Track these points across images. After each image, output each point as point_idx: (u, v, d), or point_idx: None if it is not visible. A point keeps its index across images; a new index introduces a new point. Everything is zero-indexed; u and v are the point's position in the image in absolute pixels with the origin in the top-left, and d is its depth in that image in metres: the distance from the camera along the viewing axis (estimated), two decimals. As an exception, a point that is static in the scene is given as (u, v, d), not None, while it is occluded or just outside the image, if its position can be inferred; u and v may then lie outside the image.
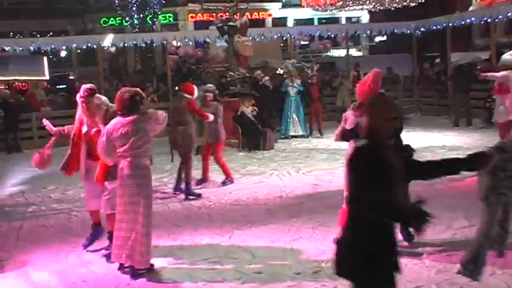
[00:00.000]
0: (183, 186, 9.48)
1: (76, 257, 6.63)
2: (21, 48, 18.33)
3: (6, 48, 18.30)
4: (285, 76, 16.86)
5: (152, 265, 5.88)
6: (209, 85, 11.32)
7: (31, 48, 18.32)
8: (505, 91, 10.03)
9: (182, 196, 9.36)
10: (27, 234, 7.85)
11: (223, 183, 10.12)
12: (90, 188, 6.69)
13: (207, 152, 10.27)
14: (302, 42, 26.17)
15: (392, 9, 28.79)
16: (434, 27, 19.52)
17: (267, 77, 16.38)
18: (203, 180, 10.25)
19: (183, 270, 5.98)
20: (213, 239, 7.01)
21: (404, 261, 5.77)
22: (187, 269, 6.00)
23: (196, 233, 7.28)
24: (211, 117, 9.66)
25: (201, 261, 6.22)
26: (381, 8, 29.56)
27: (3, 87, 21.47)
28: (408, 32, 20.48)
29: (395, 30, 20.64)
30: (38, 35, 27.57)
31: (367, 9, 31.61)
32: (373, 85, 6.14)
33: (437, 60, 24.50)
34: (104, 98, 6.72)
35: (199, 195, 9.32)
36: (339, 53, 30.97)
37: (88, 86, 6.62)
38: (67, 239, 7.44)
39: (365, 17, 35.46)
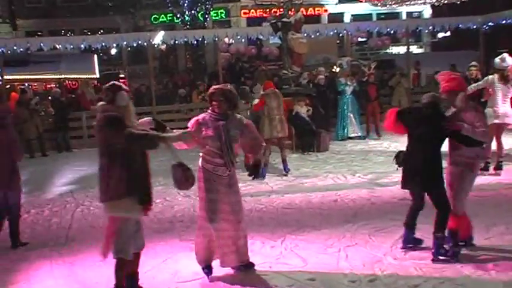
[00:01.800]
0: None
1: (124, 259, 6.74)
2: (71, 46, 18.76)
3: (57, 47, 18.77)
4: (338, 75, 16.75)
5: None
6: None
7: (82, 46, 18.74)
8: None
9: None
10: (76, 234, 8.08)
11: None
12: None
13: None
14: (359, 39, 25.90)
15: (458, 2, 28.12)
16: (504, 22, 18.96)
17: (322, 76, 16.31)
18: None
19: (232, 275, 6.01)
20: (264, 243, 7.02)
21: (467, 272, 5.67)
22: (237, 274, 6.02)
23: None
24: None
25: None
26: (445, 1, 28.93)
27: (54, 85, 22.20)
28: (474, 27, 19.99)
29: (460, 26, 20.19)
30: (89, 33, 28.32)
31: (429, 3, 30.97)
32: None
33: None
34: None
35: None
36: (398, 50, 30.53)
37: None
38: (115, 240, 7.59)
39: (427, 12, 34.82)
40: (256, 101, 11.83)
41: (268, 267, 6.17)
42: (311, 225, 7.68)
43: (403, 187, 6.44)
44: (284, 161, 11.41)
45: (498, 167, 10.24)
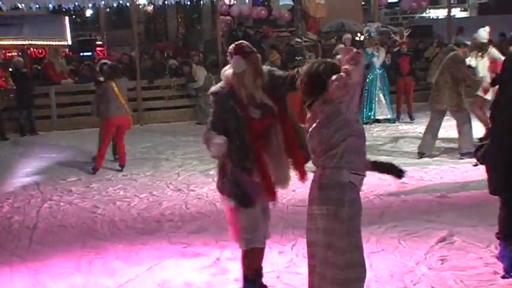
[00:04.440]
0: None
1: (101, 265, 6.78)
2: (37, 6, 18.68)
3: (20, 6, 18.71)
4: (365, 44, 16.70)
5: None
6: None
7: (50, 6, 18.66)
8: None
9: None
10: (42, 235, 8.08)
11: None
12: None
13: None
14: (389, 0, 25.79)
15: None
16: None
17: (341, 45, 16.26)
18: None
19: (233, 285, 6.03)
20: (272, 248, 7.01)
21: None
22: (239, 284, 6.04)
23: (250, 241, 7.31)
24: None
25: (256, 275, 6.24)
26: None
27: (15, 53, 22.17)
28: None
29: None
30: (59, -10, 28.20)
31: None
32: None
33: None
34: None
35: None
36: (437, 13, 30.37)
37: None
38: (90, 242, 7.62)
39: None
40: None
41: (275, 277, 6.18)
42: (328, 226, 7.69)
43: (495, 193, 5.89)
44: None
45: None
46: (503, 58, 9.63)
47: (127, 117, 11.67)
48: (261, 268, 5.62)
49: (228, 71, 5.13)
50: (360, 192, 4.71)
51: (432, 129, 11.31)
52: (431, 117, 11.40)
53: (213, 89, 5.17)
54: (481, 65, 11.97)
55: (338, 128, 4.37)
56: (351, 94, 4.31)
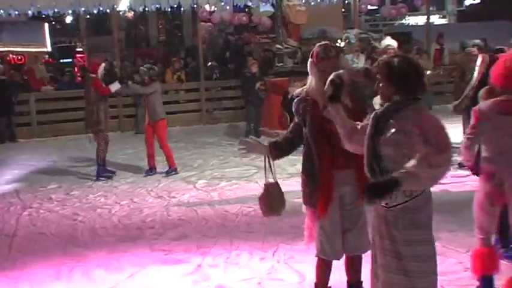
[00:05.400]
0: None
1: (82, 273, 6.72)
2: (17, 13, 18.56)
3: (-1, 13, 18.59)
4: (345, 51, 16.76)
5: None
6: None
7: (29, 12, 18.54)
8: None
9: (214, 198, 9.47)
10: (21, 243, 8.02)
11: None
12: None
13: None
14: (369, 7, 25.93)
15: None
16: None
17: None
18: None
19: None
20: (253, 254, 7.02)
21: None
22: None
23: (231, 247, 7.31)
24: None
25: (237, 282, 6.23)
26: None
27: (-6, 60, 21.98)
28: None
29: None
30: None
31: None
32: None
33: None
34: None
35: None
36: (416, 20, 30.56)
37: None
38: (71, 250, 7.57)
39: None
40: None
41: (257, 284, 6.16)
42: (310, 232, 7.68)
43: None
44: None
45: None
46: None
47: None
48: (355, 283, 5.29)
49: None
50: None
51: None
52: None
53: None
54: None
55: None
56: None
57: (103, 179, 11.41)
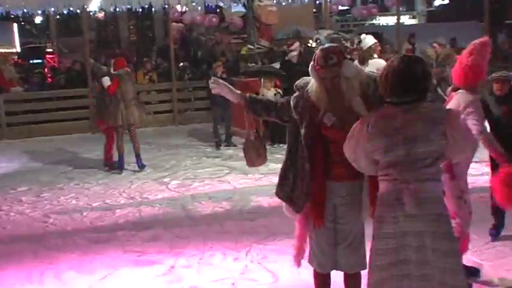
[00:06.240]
0: None
1: (54, 276, 6.67)
2: (-16, 12, 18.37)
3: (-35, 12, 18.40)
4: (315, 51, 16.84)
5: None
6: None
7: (-3, 12, 18.35)
8: None
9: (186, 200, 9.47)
10: (-8, 246, 7.94)
11: None
12: None
13: None
14: (340, 7, 26.03)
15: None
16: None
17: (295, 53, 16.33)
18: None
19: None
20: (226, 254, 7.01)
21: None
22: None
23: (205, 247, 7.29)
24: None
25: (211, 282, 6.23)
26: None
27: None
28: (478, -7, 20.30)
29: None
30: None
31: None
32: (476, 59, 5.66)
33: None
34: None
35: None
36: (387, 21, 30.78)
37: None
38: (42, 252, 7.50)
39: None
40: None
41: (231, 284, 6.16)
42: (283, 232, 7.64)
43: None
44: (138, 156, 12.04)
45: None
46: None
47: None
48: None
49: None
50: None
51: None
52: None
53: None
54: None
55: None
56: None
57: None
